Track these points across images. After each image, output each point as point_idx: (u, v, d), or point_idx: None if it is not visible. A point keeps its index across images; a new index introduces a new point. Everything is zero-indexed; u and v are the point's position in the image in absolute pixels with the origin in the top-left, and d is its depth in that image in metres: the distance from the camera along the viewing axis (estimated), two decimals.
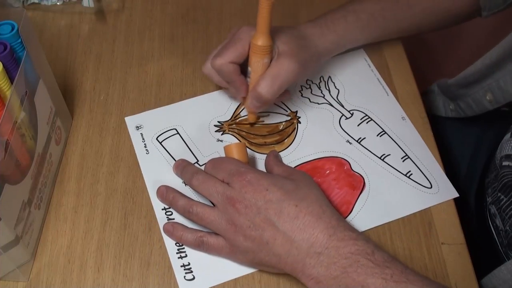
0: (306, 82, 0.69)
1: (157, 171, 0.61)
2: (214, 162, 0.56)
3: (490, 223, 0.64)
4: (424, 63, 1.04)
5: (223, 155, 0.60)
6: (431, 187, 0.60)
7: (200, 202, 0.55)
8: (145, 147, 0.63)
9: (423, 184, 0.60)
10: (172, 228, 0.56)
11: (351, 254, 0.47)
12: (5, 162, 0.46)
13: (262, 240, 0.50)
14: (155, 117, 0.65)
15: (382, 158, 0.62)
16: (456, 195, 0.59)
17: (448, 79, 0.76)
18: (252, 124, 0.65)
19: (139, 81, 0.69)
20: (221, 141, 0.63)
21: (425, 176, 0.61)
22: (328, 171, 0.61)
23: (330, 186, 0.60)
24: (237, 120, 0.65)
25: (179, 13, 0.76)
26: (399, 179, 0.61)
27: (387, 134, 0.64)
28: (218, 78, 0.62)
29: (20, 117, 0.50)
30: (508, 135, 0.63)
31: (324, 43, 0.63)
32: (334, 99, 0.67)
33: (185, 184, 0.59)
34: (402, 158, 0.62)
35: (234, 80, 0.60)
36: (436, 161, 0.62)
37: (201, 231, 0.55)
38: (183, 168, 0.59)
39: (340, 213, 0.57)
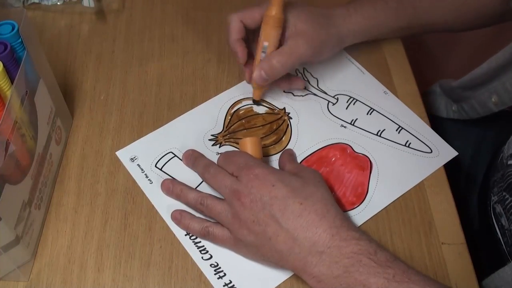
0: None
1: (167, 198, 0.59)
2: (226, 155, 0.56)
3: (495, 222, 0.64)
4: (424, 63, 1.04)
5: None
6: (431, 151, 0.63)
7: (210, 195, 0.55)
8: (147, 177, 0.61)
9: (423, 150, 0.63)
10: (180, 216, 0.56)
11: (353, 254, 0.47)
12: (5, 162, 0.46)
13: (265, 235, 0.50)
14: (146, 145, 0.63)
15: (379, 134, 0.64)
16: (456, 153, 0.62)
17: (451, 80, 0.76)
18: (257, 102, 0.66)
19: (139, 81, 0.69)
20: (220, 153, 0.63)
21: (423, 142, 0.63)
22: (333, 158, 0.62)
23: (340, 172, 0.61)
24: (230, 129, 0.65)
25: (179, 13, 0.76)
26: (401, 151, 0.63)
27: (376, 110, 0.66)
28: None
29: (20, 117, 0.50)
30: None
31: (348, 24, 0.64)
32: (316, 88, 0.68)
33: (201, 204, 0.58)
34: (397, 130, 0.64)
35: (232, 41, 0.61)
36: (428, 126, 0.65)
37: (208, 221, 0.55)
38: (194, 159, 0.59)
39: (357, 195, 0.59)
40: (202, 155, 0.60)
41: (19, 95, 0.50)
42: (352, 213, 0.58)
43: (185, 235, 0.57)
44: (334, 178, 0.60)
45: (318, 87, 0.68)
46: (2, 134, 0.46)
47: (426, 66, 1.08)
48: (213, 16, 0.76)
